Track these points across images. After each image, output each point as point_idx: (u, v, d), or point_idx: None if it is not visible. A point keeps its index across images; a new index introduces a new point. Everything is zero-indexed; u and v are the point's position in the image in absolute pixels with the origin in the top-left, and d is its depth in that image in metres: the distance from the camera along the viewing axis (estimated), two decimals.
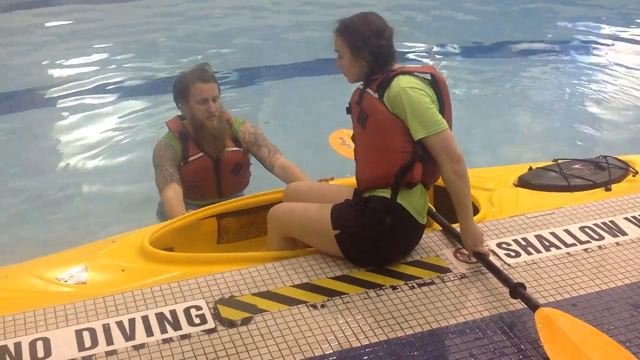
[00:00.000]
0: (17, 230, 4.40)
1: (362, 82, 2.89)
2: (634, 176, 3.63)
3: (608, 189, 3.50)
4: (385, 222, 2.76)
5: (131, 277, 2.83)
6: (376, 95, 2.77)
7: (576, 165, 3.75)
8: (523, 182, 3.60)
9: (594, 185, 3.53)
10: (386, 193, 2.80)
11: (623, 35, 8.85)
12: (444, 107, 2.83)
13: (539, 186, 3.55)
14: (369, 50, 2.79)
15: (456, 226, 2.96)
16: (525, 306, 2.55)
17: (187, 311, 2.57)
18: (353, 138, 3.05)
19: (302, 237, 2.97)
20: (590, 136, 5.93)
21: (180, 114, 3.81)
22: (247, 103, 6.43)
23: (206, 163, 3.70)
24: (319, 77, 7.05)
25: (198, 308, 2.59)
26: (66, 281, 2.80)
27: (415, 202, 2.84)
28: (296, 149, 5.02)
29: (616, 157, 3.83)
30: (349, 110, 2.97)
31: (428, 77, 2.85)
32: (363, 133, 2.86)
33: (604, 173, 3.62)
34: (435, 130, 2.71)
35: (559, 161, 3.79)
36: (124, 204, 4.68)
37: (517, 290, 2.57)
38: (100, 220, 4.49)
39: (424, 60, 7.71)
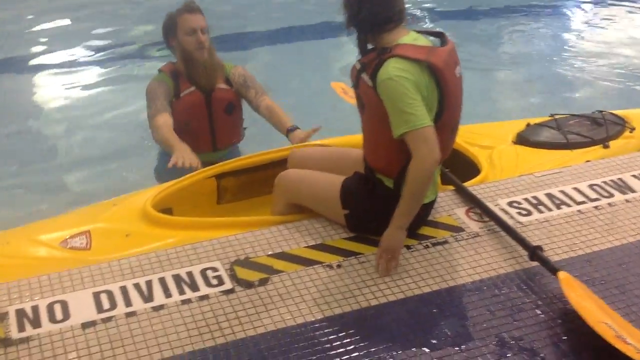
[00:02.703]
0: (10, 193, 4.35)
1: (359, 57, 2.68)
2: (630, 132, 3.65)
3: (606, 146, 3.52)
4: (392, 211, 2.64)
5: (137, 242, 2.81)
6: (370, 83, 2.56)
7: (573, 121, 3.76)
8: (522, 140, 3.60)
9: (592, 142, 3.54)
10: (390, 183, 2.71)
11: None
12: (443, 96, 2.57)
13: (538, 143, 3.55)
14: (353, 17, 2.60)
15: (469, 185, 2.95)
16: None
17: (203, 272, 2.56)
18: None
19: (310, 206, 2.94)
20: (582, 89, 5.98)
21: (174, 61, 3.78)
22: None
23: (198, 98, 3.66)
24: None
25: (214, 270, 2.58)
26: (72, 247, 2.78)
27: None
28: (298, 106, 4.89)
29: (612, 112, 3.85)
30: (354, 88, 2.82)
31: (424, 64, 2.53)
32: (363, 118, 2.74)
33: (601, 129, 3.64)
34: (416, 126, 2.47)
35: (556, 116, 3.80)
36: (117, 165, 4.61)
37: (535, 253, 2.57)
38: (94, 184, 4.42)
39: None
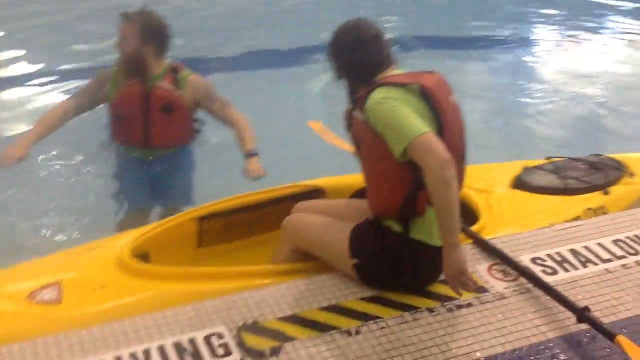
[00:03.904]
0: None
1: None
2: (630, 178, 3.51)
3: (606, 192, 3.38)
4: (404, 262, 2.51)
5: (114, 294, 2.55)
6: (362, 118, 2.49)
7: (570, 165, 3.64)
8: (520, 184, 3.44)
9: (591, 188, 3.41)
10: (396, 226, 2.53)
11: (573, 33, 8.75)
12: (440, 120, 2.45)
13: (537, 188, 3.40)
14: (342, 68, 2.62)
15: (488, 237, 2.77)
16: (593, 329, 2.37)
17: (208, 340, 2.29)
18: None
19: (317, 254, 2.72)
20: (563, 131, 5.84)
21: None
22: None
23: (137, 91, 3.76)
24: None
25: (220, 336, 2.31)
26: (40, 301, 2.49)
27: (432, 228, 2.53)
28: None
29: (609, 156, 3.72)
30: (347, 130, 2.72)
31: (415, 87, 2.46)
32: (361, 159, 2.63)
33: (599, 174, 3.51)
34: (414, 135, 2.31)
35: (552, 159, 3.66)
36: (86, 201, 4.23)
37: (583, 315, 2.37)
38: (66, 221, 4.03)
39: None
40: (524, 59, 7.76)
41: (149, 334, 2.29)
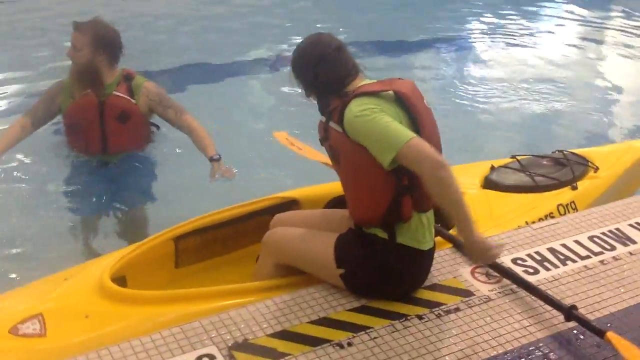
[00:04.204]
0: None
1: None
2: (595, 172, 3.59)
3: (574, 187, 3.45)
4: (391, 267, 2.51)
5: (100, 323, 2.48)
6: (340, 129, 2.46)
7: (536, 162, 3.70)
8: (490, 184, 3.49)
9: (560, 184, 3.48)
10: (381, 233, 2.52)
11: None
12: (417, 124, 2.46)
13: (507, 187, 3.45)
14: (310, 84, 2.60)
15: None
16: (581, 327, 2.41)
17: None
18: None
19: (300, 267, 2.69)
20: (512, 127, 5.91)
21: None
22: None
23: (91, 102, 3.77)
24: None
25: (211, 357, 2.25)
26: (24, 334, 2.39)
27: (418, 233, 2.54)
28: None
29: (572, 151, 3.80)
30: (322, 142, 2.69)
31: (390, 94, 2.48)
32: (340, 170, 2.60)
33: (566, 170, 3.58)
34: (402, 142, 2.32)
35: (518, 157, 3.72)
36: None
37: (571, 313, 2.40)
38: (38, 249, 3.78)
39: None
40: (472, 60, 7.77)
41: (139, 359, 2.23)
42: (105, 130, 3.81)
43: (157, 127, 4.06)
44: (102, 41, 3.73)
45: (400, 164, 2.36)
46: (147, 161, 4.03)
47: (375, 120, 2.38)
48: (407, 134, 2.35)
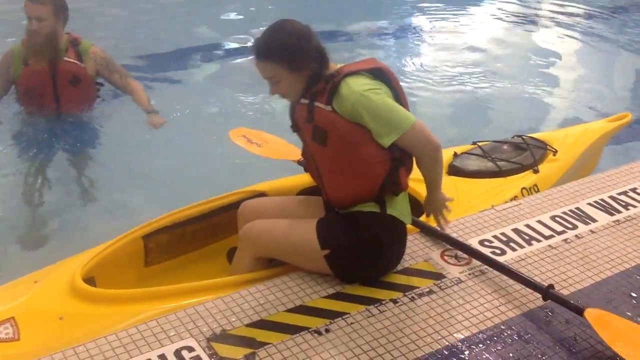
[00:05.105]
0: None
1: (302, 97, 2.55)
2: (554, 155, 3.68)
3: (536, 171, 3.53)
4: (382, 239, 2.54)
5: (76, 325, 2.43)
6: (329, 108, 2.45)
7: (497, 147, 3.78)
8: (455, 170, 3.55)
9: (522, 168, 3.56)
10: (372, 207, 2.56)
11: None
12: (400, 100, 2.54)
13: (472, 173, 3.52)
14: (308, 58, 2.46)
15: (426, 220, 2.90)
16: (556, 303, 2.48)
17: (178, 354, 2.22)
18: (304, 155, 2.78)
19: (282, 257, 2.68)
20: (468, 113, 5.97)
21: None
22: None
23: (43, 68, 4.05)
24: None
25: (190, 349, 2.24)
26: (3, 340, 2.35)
27: (403, 206, 2.64)
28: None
29: (530, 135, 3.88)
30: (295, 129, 2.68)
31: (375, 71, 2.52)
32: (325, 151, 2.54)
33: (526, 154, 3.65)
34: (408, 126, 2.44)
35: (479, 144, 3.78)
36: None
37: (549, 293, 2.46)
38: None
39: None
40: (411, 47, 7.75)
41: (116, 354, 2.21)
42: (58, 94, 4.13)
43: (102, 84, 4.36)
44: (61, 7, 3.99)
45: (401, 145, 2.47)
46: (93, 118, 4.41)
47: (380, 100, 2.43)
48: (410, 116, 2.46)
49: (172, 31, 7.37)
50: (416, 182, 3.21)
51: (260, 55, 2.48)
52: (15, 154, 4.24)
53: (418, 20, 8.74)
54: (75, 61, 4.10)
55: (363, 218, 2.56)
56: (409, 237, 2.84)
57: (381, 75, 2.53)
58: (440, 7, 9.09)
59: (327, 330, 2.36)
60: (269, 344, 2.29)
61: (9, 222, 3.87)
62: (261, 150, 3.52)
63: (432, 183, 2.68)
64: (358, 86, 2.43)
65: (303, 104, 2.55)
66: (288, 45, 2.45)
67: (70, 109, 4.24)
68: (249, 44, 6.85)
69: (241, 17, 8.06)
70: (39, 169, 4.17)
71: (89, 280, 2.67)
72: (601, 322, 2.28)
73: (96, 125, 4.43)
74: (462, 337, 2.37)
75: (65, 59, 4.06)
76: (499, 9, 9.31)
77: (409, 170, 2.62)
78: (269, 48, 2.48)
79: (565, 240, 2.94)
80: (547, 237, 2.96)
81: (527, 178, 3.50)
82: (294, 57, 2.45)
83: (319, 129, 2.51)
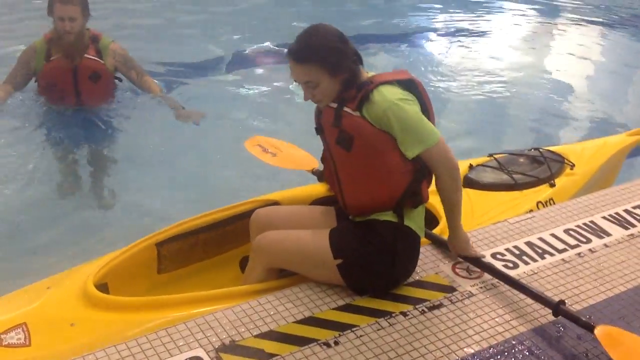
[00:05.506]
0: None
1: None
2: (571, 169, 3.65)
3: (552, 185, 3.50)
4: (397, 249, 2.54)
5: (87, 331, 2.44)
6: (357, 114, 2.46)
7: (514, 160, 3.74)
8: (471, 183, 3.52)
9: (538, 182, 3.53)
10: (390, 217, 2.55)
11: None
12: (428, 114, 2.57)
13: (487, 186, 3.49)
14: (348, 61, 2.47)
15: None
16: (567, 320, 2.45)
17: None
18: (324, 159, 2.78)
19: (294, 268, 2.68)
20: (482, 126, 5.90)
21: None
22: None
23: (65, 64, 4.21)
24: None
25: (199, 359, 2.25)
26: (8, 344, 2.35)
27: (420, 219, 2.64)
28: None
29: (548, 148, 3.85)
30: (318, 131, 2.68)
31: (407, 83, 2.55)
32: (348, 156, 2.53)
33: (543, 167, 3.62)
34: (434, 142, 2.48)
35: (495, 156, 3.75)
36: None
37: (559, 308, 2.44)
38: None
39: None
40: (428, 56, 7.68)
41: None
42: (78, 89, 4.30)
43: (120, 79, 4.50)
44: (87, 5, 4.14)
45: (423, 160, 2.50)
46: (113, 112, 4.56)
47: (412, 111, 2.46)
48: (436, 132, 2.49)
49: (190, 42, 7.40)
50: (430, 193, 3.24)
51: (300, 58, 2.46)
52: (38, 144, 4.40)
53: (436, 26, 8.73)
54: (96, 58, 4.25)
55: (379, 226, 2.56)
56: (420, 249, 2.83)
57: (412, 87, 2.55)
58: (459, 15, 9.09)
59: (336, 343, 2.36)
60: (277, 355, 2.28)
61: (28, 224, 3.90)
62: (275, 160, 3.53)
63: (454, 211, 2.61)
64: (391, 95, 2.46)
65: (331, 108, 2.54)
66: (330, 48, 2.45)
67: (91, 103, 4.42)
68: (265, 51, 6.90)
69: (255, 26, 8.05)
70: (63, 159, 4.40)
71: (102, 286, 2.68)
72: (612, 340, 2.25)
73: (115, 123, 4.57)
74: (473, 351, 2.35)
75: (86, 55, 4.21)
76: (520, 16, 9.30)
77: (429, 183, 2.61)
78: (310, 51, 2.46)
79: (578, 254, 2.92)
80: (560, 251, 2.93)
81: (543, 192, 3.47)
82: (336, 60, 2.45)
83: (345, 133, 2.50)
